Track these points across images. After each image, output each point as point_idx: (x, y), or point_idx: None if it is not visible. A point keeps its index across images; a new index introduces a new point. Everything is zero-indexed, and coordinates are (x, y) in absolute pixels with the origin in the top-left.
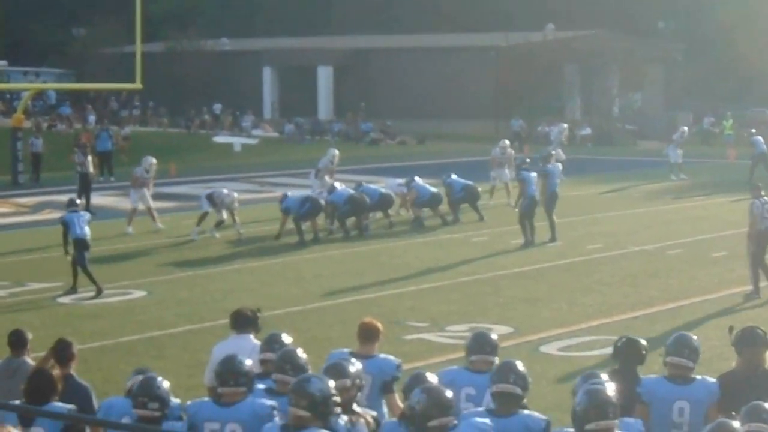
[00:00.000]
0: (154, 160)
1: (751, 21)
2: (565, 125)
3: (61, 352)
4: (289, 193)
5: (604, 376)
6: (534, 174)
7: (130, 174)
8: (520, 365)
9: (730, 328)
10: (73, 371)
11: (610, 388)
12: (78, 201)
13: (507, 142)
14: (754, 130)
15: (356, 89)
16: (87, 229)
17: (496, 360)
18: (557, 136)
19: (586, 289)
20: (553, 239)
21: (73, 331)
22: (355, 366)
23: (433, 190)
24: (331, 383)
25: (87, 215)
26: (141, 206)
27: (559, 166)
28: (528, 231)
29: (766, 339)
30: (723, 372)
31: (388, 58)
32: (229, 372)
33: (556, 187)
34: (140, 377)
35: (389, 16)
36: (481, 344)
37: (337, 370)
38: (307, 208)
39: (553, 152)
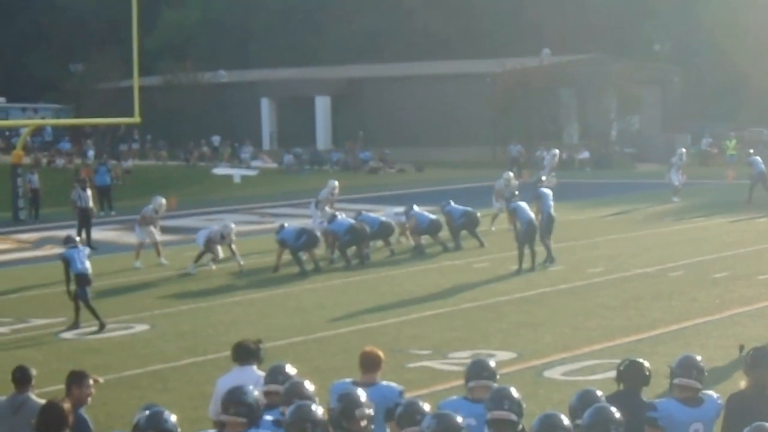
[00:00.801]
0: (164, 201)
1: (746, 42)
2: (557, 150)
3: (76, 381)
4: (286, 225)
5: (599, 393)
6: (523, 203)
7: (139, 212)
8: (514, 392)
9: (741, 347)
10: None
11: (614, 409)
12: (77, 237)
13: (511, 174)
14: (752, 151)
15: (354, 118)
16: (88, 264)
17: (495, 386)
18: (549, 161)
19: (588, 312)
20: (550, 260)
21: (76, 367)
22: (365, 396)
23: (433, 217)
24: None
25: (87, 250)
26: (148, 240)
27: (550, 190)
28: (527, 257)
29: None
30: (729, 393)
31: (385, 87)
32: (230, 401)
33: (551, 209)
34: (147, 413)
35: (385, 44)
36: (478, 370)
37: (349, 399)
38: (303, 241)
39: (544, 177)
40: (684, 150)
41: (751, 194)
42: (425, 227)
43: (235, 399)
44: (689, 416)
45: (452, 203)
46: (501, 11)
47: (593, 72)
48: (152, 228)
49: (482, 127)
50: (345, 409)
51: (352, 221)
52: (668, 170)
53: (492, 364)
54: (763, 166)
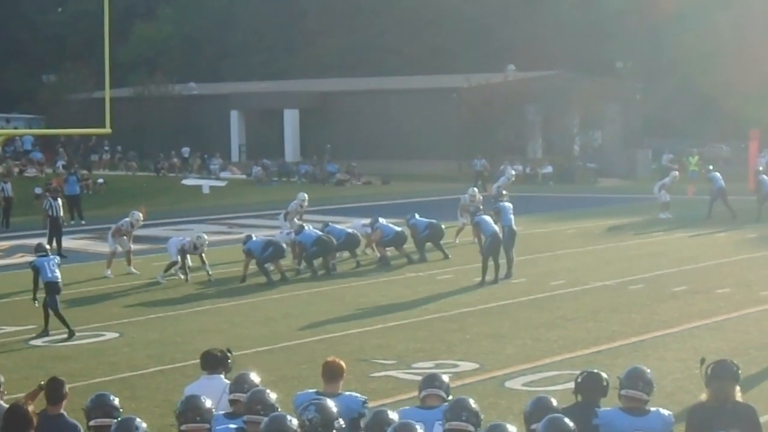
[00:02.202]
0: (141, 215)
1: (707, 60)
2: (513, 172)
3: (53, 390)
4: (253, 236)
5: (554, 400)
6: (487, 216)
7: (114, 223)
8: (472, 402)
9: (702, 360)
10: (63, 410)
11: (567, 420)
12: (47, 246)
13: (476, 189)
14: (711, 167)
15: (322, 131)
16: (58, 273)
17: (447, 397)
18: (504, 181)
19: (549, 324)
20: (508, 275)
21: (46, 374)
22: (336, 408)
23: (398, 229)
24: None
25: (57, 259)
26: (120, 249)
27: (510, 204)
28: (490, 270)
29: (736, 373)
30: (687, 405)
31: (353, 101)
32: (193, 409)
33: (511, 223)
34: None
35: (353, 59)
36: (430, 380)
37: (327, 410)
38: (270, 252)
39: (504, 192)
40: (677, 173)
41: (710, 209)
42: (390, 239)
43: (196, 407)
44: (630, 425)
45: (417, 216)
46: (468, 29)
47: (557, 88)
48: (125, 238)
49: (448, 142)
50: (325, 420)
51: (320, 233)
52: (657, 189)
53: (445, 378)
54: (722, 182)
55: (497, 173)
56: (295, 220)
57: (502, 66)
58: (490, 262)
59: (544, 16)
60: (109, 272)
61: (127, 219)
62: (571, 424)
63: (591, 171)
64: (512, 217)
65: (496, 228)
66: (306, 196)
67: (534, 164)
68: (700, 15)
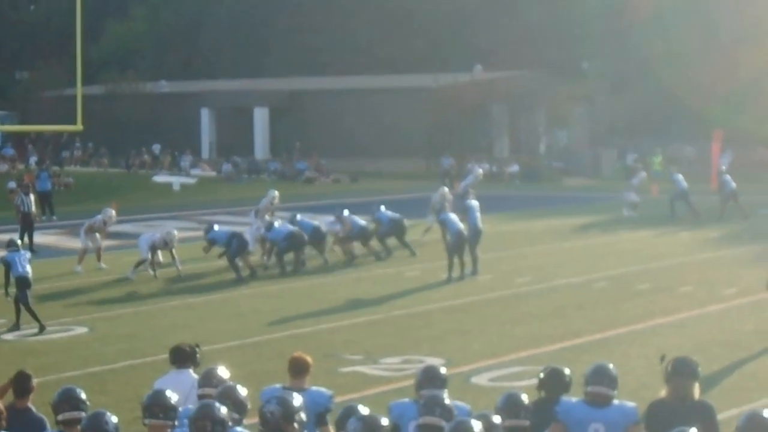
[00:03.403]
0: (114, 213)
1: (674, 61)
2: (481, 171)
3: (20, 384)
4: (215, 227)
5: (524, 396)
6: (453, 214)
7: (87, 220)
8: (446, 399)
9: (662, 357)
10: (30, 404)
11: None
12: (18, 241)
13: (446, 189)
14: (673, 167)
15: (292, 129)
16: (29, 268)
17: (445, 394)
18: (472, 180)
19: (515, 321)
20: (474, 272)
21: (17, 368)
22: (299, 401)
23: (362, 223)
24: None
25: (28, 254)
26: (91, 245)
27: (476, 203)
28: (455, 267)
29: (696, 370)
30: (650, 401)
31: (322, 99)
32: (158, 405)
33: (478, 221)
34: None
35: (324, 58)
36: (431, 378)
37: (288, 403)
38: (235, 246)
39: (471, 190)
40: (644, 173)
41: (672, 209)
42: (356, 233)
43: (162, 403)
44: (588, 415)
45: (382, 208)
46: (438, 30)
47: (523, 89)
48: (97, 235)
49: (417, 140)
50: (286, 413)
51: (292, 228)
52: (625, 191)
53: (443, 371)
54: (684, 183)
55: (465, 172)
56: (267, 216)
57: (470, 65)
58: (456, 260)
59: (512, 17)
60: (79, 268)
61: (99, 216)
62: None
63: (557, 170)
64: (479, 215)
65: (461, 226)
66: (276, 193)
67: (501, 163)
68: (669, 18)
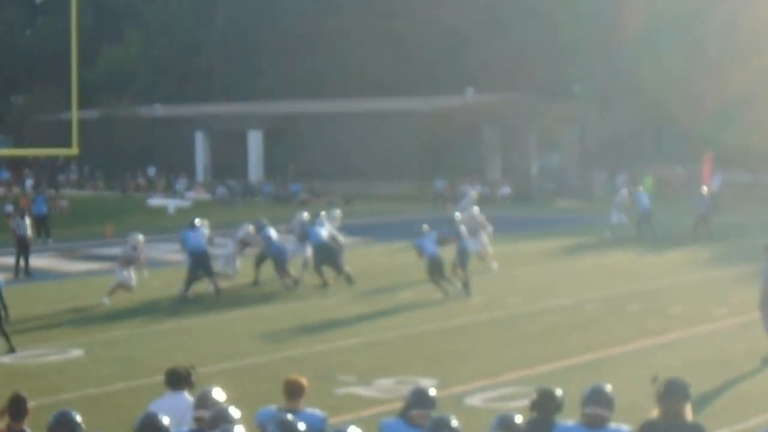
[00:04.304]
0: (142, 237)
1: (666, 83)
2: (474, 193)
3: (16, 407)
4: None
5: (519, 417)
6: (426, 240)
7: (121, 256)
8: (454, 422)
9: (654, 378)
10: (26, 427)
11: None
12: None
13: (458, 214)
14: (641, 188)
15: (285, 152)
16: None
17: (433, 414)
18: (468, 203)
19: (508, 341)
20: (467, 294)
21: (12, 390)
22: (302, 426)
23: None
24: None
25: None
26: (131, 282)
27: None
28: (444, 285)
29: (688, 391)
30: (641, 421)
31: (316, 123)
32: (150, 428)
33: (467, 244)
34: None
35: (317, 81)
36: (420, 399)
37: (291, 427)
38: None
39: (458, 213)
40: (625, 190)
41: (639, 229)
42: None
43: (154, 426)
44: None
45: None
46: (429, 53)
47: (515, 111)
48: (132, 270)
49: (409, 163)
50: None
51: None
52: (613, 211)
53: (432, 392)
54: (648, 204)
55: (458, 194)
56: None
57: (461, 88)
58: (451, 278)
59: (503, 40)
60: (107, 300)
61: (127, 245)
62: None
63: (549, 192)
64: (467, 238)
65: (436, 250)
66: (250, 228)
67: (493, 185)
68: (658, 39)
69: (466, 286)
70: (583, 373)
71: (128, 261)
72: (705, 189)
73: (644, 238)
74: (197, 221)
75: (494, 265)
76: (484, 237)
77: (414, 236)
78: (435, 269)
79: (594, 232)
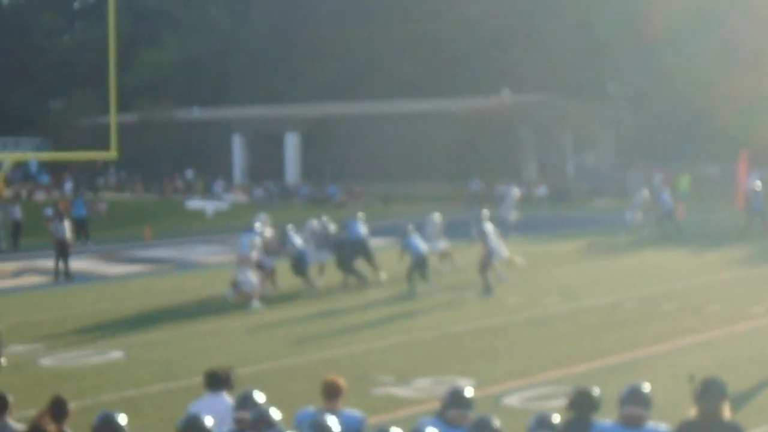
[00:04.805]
0: (264, 216)
1: (700, 82)
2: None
3: (57, 409)
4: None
5: (556, 417)
6: (416, 237)
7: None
8: (496, 422)
9: (691, 377)
10: (67, 428)
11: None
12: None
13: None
14: (666, 188)
15: (322, 154)
16: None
17: (470, 414)
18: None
19: (544, 341)
20: (488, 292)
21: (54, 392)
22: (337, 426)
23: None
24: None
25: None
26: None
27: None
28: (413, 285)
29: (725, 390)
30: (678, 420)
31: (352, 124)
32: (194, 429)
33: (492, 244)
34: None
35: (352, 83)
36: (457, 399)
37: (326, 429)
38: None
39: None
40: (646, 191)
41: (662, 228)
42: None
43: (197, 427)
44: None
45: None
46: (464, 53)
47: (550, 111)
48: (250, 270)
49: (444, 163)
50: None
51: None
52: (628, 209)
53: (469, 392)
54: (671, 203)
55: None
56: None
57: (496, 89)
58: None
59: (536, 40)
60: (257, 303)
61: (255, 232)
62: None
63: (585, 191)
64: (493, 238)
65: (424, 250)
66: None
67: (529, 185)
68: (690, 34)
69: (488, 286)
70: (620, 373)
71: (270, 251)
72: (759, 184)
73: (670, 237)
74: (291, 226)
75: (504, 275)
76: (443, 244)
77: (401, 235)
78: (418, 267)
79: (630, 231)
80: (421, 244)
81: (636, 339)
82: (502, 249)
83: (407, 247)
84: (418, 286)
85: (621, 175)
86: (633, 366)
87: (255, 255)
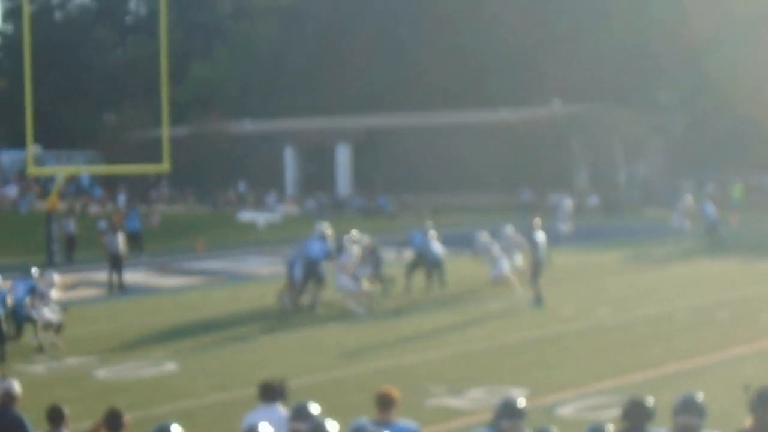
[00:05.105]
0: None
1: (751, 90)
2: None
3: (112, 421)
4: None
5: (610, 427)
6: (435, 244)
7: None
8: None
9: (747, 387)
10: None
11: None
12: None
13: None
14: (708, 200)
15: (373, 165)
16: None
17: (523, 425)
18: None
19: (597, 351)
20: (538, 303)
21: (108, 404)
22: None
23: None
24: None
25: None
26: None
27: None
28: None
29: None
30: (733, 430)
31: (403, 135)
32: None
33: (541, 253)
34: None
35: (401, 95)
36: (509, 410)
37: None
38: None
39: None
40: (690, 195)
41: (710, 239)
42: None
43: None
44: None
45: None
46: (511, 63)
47: (601, 121)
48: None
49: (495, 174)
50: None
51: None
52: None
53: (521, 403)
54: (714, 214)
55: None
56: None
57: (545, 98)
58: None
59: (586, 48)
60: (359, 307)
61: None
62: None
63: (636, 201)
64: (543, 248)
65: (440, 253)
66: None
67: (580, 195)
68: (739, 41)
69: (538, 298)
70: (674, 382)
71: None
72: None
73: (716, 248)
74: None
75: (518, 290)
76: (519, 257)
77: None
78: (417, 266)
79: (682, 240)
80: (439, 249)
81: (689, 348)
82: (505, 264)
83: (418, 248)
84: (436, 290)
85: (672, 184)
86: (686, 375)
87: (352, 265)
